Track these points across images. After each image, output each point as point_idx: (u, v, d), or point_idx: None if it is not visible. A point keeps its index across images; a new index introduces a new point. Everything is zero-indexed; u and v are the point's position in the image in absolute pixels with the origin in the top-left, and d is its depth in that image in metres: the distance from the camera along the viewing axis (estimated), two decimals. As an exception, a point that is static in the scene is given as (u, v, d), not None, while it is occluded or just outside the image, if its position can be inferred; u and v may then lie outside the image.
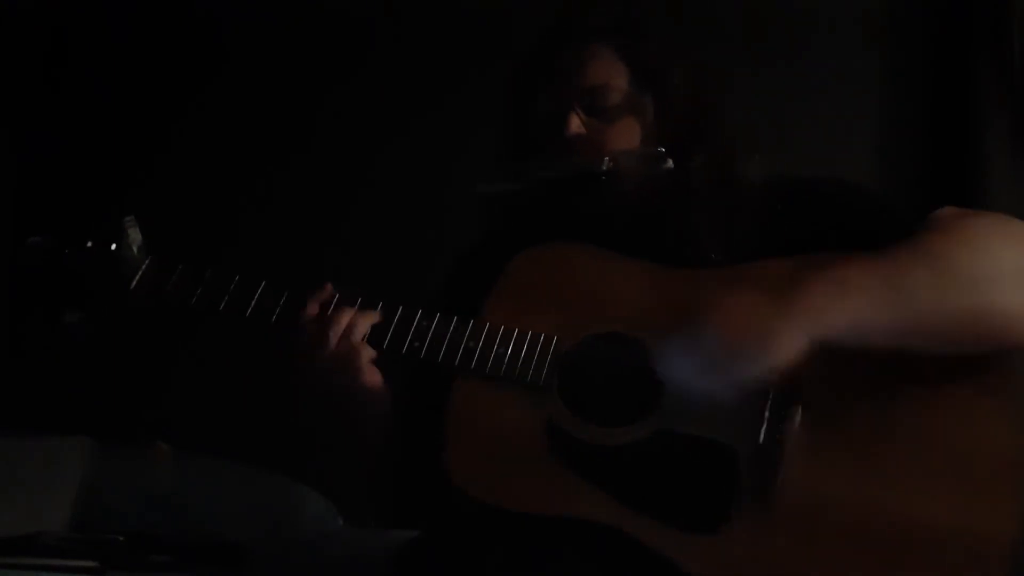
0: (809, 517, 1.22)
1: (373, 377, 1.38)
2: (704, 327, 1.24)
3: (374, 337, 1.38)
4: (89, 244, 1.44)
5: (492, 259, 1.44)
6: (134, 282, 1.43)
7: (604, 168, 1.39)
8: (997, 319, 1.24)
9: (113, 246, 1.44)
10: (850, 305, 1.22)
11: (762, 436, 1.26)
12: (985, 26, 2.25)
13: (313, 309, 1.38)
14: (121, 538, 1.58)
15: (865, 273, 1.24)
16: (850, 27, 2.35)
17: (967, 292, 1.24)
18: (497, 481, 1.30)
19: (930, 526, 1.20)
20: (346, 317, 1.36)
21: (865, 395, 1.26)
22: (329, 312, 1.37)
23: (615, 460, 1.28)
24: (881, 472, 1.23)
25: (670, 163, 1.39)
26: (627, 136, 1.44)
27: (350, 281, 1.42)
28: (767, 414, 1.26)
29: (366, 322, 1.37)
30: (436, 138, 2.32)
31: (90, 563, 1.49)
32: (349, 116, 2.41)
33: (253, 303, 1.40)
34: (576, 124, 1.43)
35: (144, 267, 1.43)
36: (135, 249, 1.45)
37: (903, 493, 1.21)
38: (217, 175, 2.40)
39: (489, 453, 1.32)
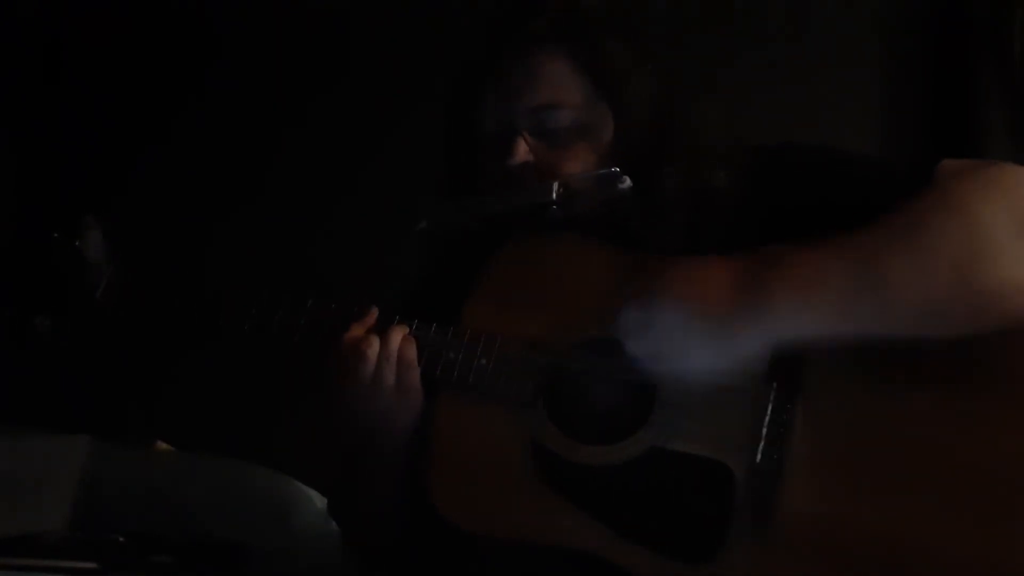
0: (811, 541, 1.14)
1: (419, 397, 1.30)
2: (665, 300, 1.17)
3: None
4: (56, 235, 1.36)
5: (462, 261, 1.37)
6: (100, 290, 1.36)
7: (554, 197, 1.28)
8: (988, 296, 1.13)
9: (77, 242, 1.36)
10: (817, 302, 1.14)
11: (759, 455, 1.18)
12: (985, 26, 2.25)
13: (358, 331, 1.28)
14: (121, 538, 1.58)
15: (833, 262, 1.15)
16: (849, 26, 2.35)
17: (952, 269, 1.13)
18: (480, 508, 1.23)
19: (946, 550, 1.11)
20: (397, 336, 1.27)
21: (871, 408, 1.18)
22: (383, 334, 1.27)
23: (603, 482, 1.21)
24: (890, 492, 1.14)
25: (627, 183, 1.28)
26: (582, 159, 1.32)
27: (326, 285, 1.38)
28: (764, 431, 1.19)
29: (411, 342, 1.28)
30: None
31: (90, 563, 1.48)
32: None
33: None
34: (523, 151, 1.31)
35: (110, 272, 1.36)
36: (98, 251, 1.38)
37: (914, 514, 1.13)
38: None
39: (472, 476, 1.25)
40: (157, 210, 2.30)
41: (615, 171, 1.29)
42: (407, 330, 1.29)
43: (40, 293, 1.38)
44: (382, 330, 1.29)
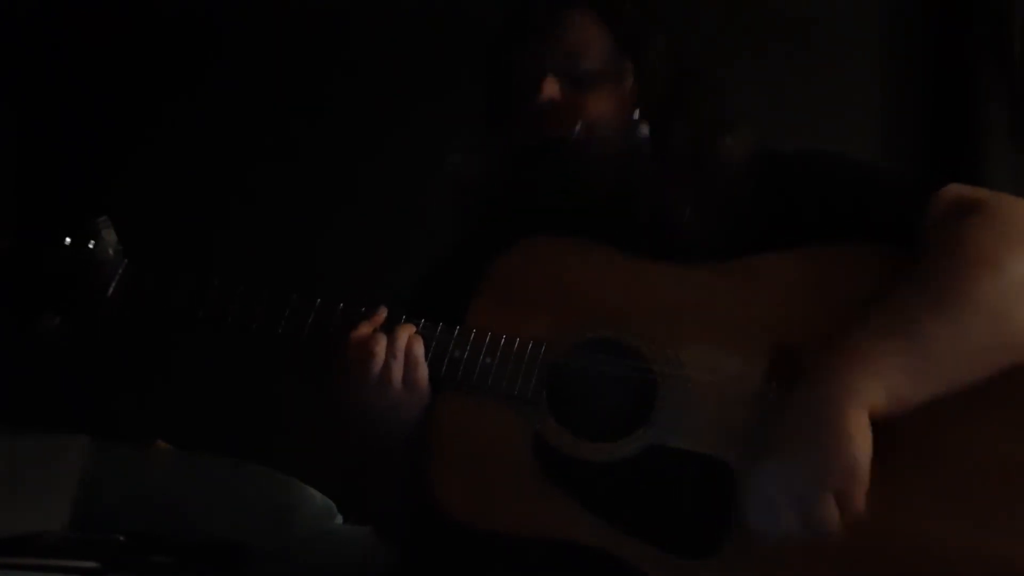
0: (812, 542, 1.14)
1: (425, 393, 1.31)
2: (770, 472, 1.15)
3: None
4: (68, 241, 1.37)
5: (467, 261, 1.38)
6: (111, 288, 1.37)
7: (575, 135, 1.34)
8: (1018, 338, 1.19)
9: (91, 243, 1.38)
10: (884, 384, 1.16)
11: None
12: (985, 26, 2.25)
13: (366, 329, 1.30)
14: (121, 538, 1.58)
15: (887, 348, 1.17)
16: (850, 26, 2.35)
17: (989, 325, 1.18)
18: (482, 502, 1.25)
19: (945, 549, 1.14)
20: (405, 334, 1.30)
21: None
22: (392, 331, 1.29)
23: (605, 478, 1.23)
24: (890, 490, 1.15)
25: (645, 130, 1.34)
26: (604, 104, 1.37)
27: (330, 285, 1.38)
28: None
29: (418, 340, 1.30)
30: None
31: (90, 563, 1.48)
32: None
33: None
34: (550, 89, 1.36)
35: (120, 272, 1.38)
36: (111, 251, 1.39)
37: (915, 513, 1.16)
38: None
39: (474, 472, 1.26)
40: (167, 209, 2.31)
41: (635, 118, 1.35)
42: (414, 329, 1.31)
43: (49, 293, 1.38)
44: (389, 329, 1.30)
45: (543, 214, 1.36)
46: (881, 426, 1.17)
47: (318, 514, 1.96)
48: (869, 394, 1.15)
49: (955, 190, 1.28)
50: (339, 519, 1.98)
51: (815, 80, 2.32)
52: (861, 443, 1.13)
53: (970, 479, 1.16)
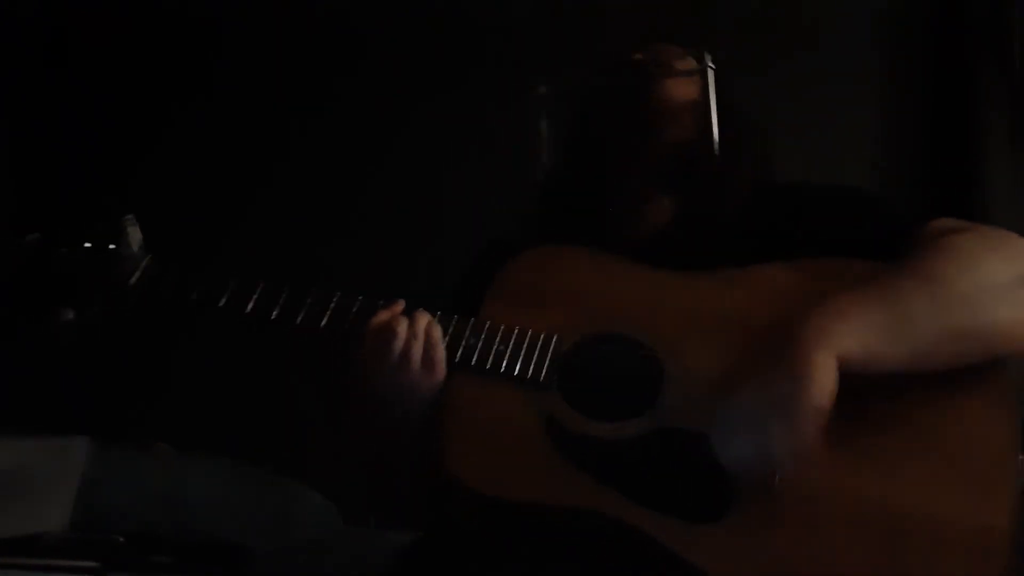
0: (810, 508, 1.23)
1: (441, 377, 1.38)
2: (735, 412, 1.24)
3: None
4: (87, 245, 1.43)
5: (510, 255, 1.45)
6: (133, 279, 1.42)
7: (639, 56, 1.47)
8: (989, 333, 1.29)
9: (112, 246, 1.44)
10: (857, 335, 1.24)
11: None
12: (985, 26, 2.25)
13: (384, 317, 1.37)
14: (121, 538, 1.58)
15: (865, 304, 1.27)
16: (850, 29, 2.35)
17: (963, 311, 1.28)
18: (495, 473, 1.30)
19: (930, 517, 1.22)
20: (424, 318, 1.37)
21: (866, 390, 1.26)
22: (411, 318, 1.37)
23: (615, 453, 1.29)
24: (882, 465, 1.25)
25: (710, 62, 1.45)
26: (680, 82, 1.49)
27: (349, 278, 1.42)
28: None
29: (436, 324, 1.37)
30: (436, 137, 2.32)
31: (90, 563, 1.48)
32: (349, 113, 2.42)
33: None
34: (639, 56, 1.51)
35: (144, 265, 1.43)
36: (135, 248, 1.44)
37: (903, 485, 1.24)
38: (217, 172, 2.40)
39: (487, 445, 1.32)
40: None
41: (707, 56, 1.47)
42: (431, 316, 1.38)
43: (67, 293, 1.42)
44: (409, 314, 1.38)
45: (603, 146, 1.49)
46: (874, 410, 1.26)
47: (318, 515, 1.96)
48: (840, 339, 1.24)
49: (947, 221, 1.39)
50: (339, 520, 1.98)
51: (816, 83, 2.32)
52: (823, 383, 1.21)
53: (955, 457, 1.25)
